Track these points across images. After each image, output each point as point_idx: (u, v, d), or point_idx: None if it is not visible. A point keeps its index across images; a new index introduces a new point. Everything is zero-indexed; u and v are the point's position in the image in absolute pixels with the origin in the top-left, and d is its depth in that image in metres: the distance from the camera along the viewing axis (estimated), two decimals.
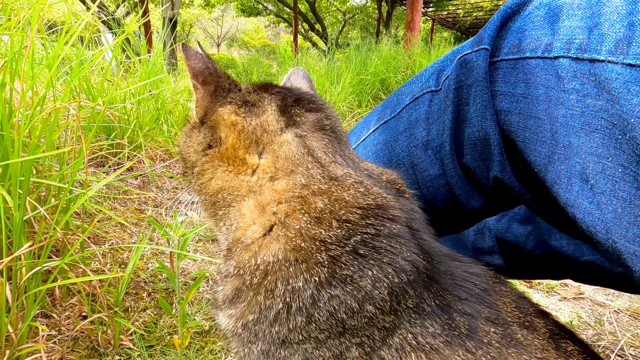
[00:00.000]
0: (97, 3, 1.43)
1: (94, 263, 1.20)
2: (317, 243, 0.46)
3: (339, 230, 0.46)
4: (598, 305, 1.34)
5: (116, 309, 0.97)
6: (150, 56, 2.34)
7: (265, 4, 16.45)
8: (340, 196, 0.49)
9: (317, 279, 0.44)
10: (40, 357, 0.82)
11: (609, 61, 0.40)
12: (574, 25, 0.45)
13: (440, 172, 0.65)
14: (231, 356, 0.97)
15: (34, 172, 1.05)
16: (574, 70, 0.44)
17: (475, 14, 12.58)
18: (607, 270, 0.77)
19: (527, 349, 0.43)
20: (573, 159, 0.45)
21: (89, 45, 2.15)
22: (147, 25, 4.92)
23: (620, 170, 0.41)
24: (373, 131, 0.76)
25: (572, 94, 0.44)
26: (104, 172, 1.65)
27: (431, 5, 12.14)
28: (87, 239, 1.22)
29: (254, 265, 0.48)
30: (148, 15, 4.85)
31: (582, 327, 1.23)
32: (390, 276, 0.44)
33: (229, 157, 0.55)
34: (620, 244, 0.41)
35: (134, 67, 2.21)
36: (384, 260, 0.44)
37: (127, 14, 10.10)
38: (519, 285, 1.45)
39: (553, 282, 1.47)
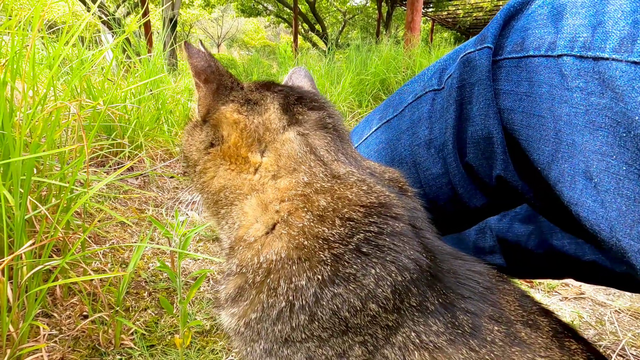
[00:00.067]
0: (97, 3, 1.43)
1: (95, 262, 1.20)
2: (320, 241, 0.45)
3: (342, 229, 0.46)
4: (599, 305, 1.34)
5: (117, 309, 0.97)
6: (150, 56, 2.34)
7: (265, 5, 16.46)
8: (343, 194, 0.48)
9: (320, 277, 0.44)
10: (41, 356, 0.81)
11: (613, 59, 0.40)
12: (577, 24, 0.45)
13: (442, 170, 0.65)
14: (232, 355, 0.97)
15: (35, 171, 1.04)
16: (578, 69, 0.44)
17: (475, 14, 12.58)
18: (609, 269, 0.77)
19: (530, 347, 0.43)
20: (577, 157, 0.45)
21: (89, 46, 2.15)
22: (147, 26, 4.92)
23: (624, 168, 0.40)
24: (375, 130, 0.76)
25: (575, 92, 0.44)
26: (104, 172, 1.64)
27: (431, 5, 12.14)
28: (88, 239, 1.22)
29: (257, 264, 0.47)
30: (148, 16, 4.85)
31: (583, 327, 1.23)
32: (393, 274, 0.44)
33: (231, 155, 0.54)
34: (625, 242, 0.41)
35: (135, 67, 2.21)
36: (387, 259, 0.44)
37: (128, 14, 10.10)
38: (520, 285, 1.45)
39: (554, 282, 1.46)
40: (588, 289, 1.43)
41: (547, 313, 0.50)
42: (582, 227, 0.47)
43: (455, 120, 0.61)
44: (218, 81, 0.57)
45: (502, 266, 0.94)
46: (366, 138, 0.78)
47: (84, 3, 6.43)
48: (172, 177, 1.98)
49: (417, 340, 0.43)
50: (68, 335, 0.93)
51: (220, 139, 0.56)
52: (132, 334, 0.99)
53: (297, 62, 4.91)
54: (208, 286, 1.26)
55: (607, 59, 0.41)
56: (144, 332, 1.00)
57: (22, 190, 0.86)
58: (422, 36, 6.39)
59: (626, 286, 0.78)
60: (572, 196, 0.47)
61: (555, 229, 0.83)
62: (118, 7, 9.76)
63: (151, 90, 2.11)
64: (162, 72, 2.36)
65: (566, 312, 1.30)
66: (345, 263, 0.44)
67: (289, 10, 15.69)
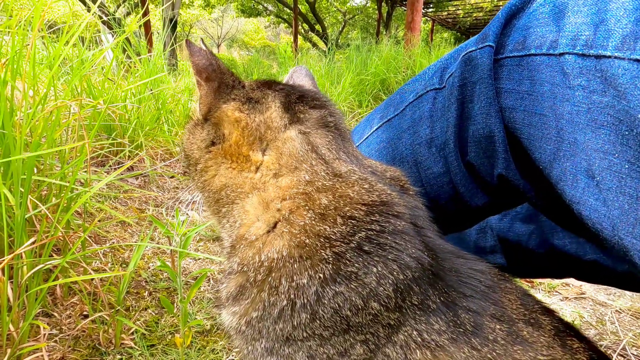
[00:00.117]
0: (97, 3, 1.43)
1: (95, 262, 1.20)
2: (322, 239, 0.45)
3: (343, 227, 0.46)
4: (600, 304, 1.34)
5: (117, 308, 0.97)
6: (150, 56, 2.34)
7: (265, 5, 16.46)
8: (345, 193, 0.48)
9: (321, 275, 0.44)
10: (42, 356, 0.81)
11: (615, 57, 0.40)
12: (579, 22, 0.45)
13: (444, 169, 0.65)
14: (233, 355, 0.96)
15: (36, 170, 1.04)
16: (580, 67, 0.44)
17: (475, 15, 12.59)
18: (610, 268, 0.77)
19: (533, 346, 0.43)
20: (579, 156, 0.45)
21: (89, 46, 2.15)
22: (147, 26, 4.92)
23: (627, 166, 0.40)
24: (376, 129, 0.76)
25: (577, 90, 0.44)
26: (105, 172, 1.64)
27: (431, 5, 12.14)
28: (88, 238, 1.22)
29: (258, 262, 0.47)
30: (148, 15, 4.85)
31: (584, 326, 1.23)
32: (395, 273, 0.44)
33: (233, 154, 0.54)
34: (627, 240, 0.41)
35: (135, 67, 2.21)
36: (389, 257, 0.44)
37: (128, 14, 10.10)
38: (521, 284, 1.45)
39: (554, 282, 1.46)
40: (589, 288, 1.43)
41: (549, 312, 0.50)
42: (584, 226, 0.47)
43: (456, 119, 0.61)
44: (219, 79, 0.57)
45: (503, 266, 0.94)
46: (367, 137, 0.78)
47: (84, 3, 6.43)
48: (172, 176, 1.98)
49: (419, 339, 0.43)
50: (68, 335, 0.93)
51: (221, 137, 0.56)
52: (132, 333, 0.99)
53: (297, 62, 4.91)
54: (208, 286, 1.26)
55: (609, 57, 0.41)
56: (145, 332, 1.00)
57: (22, 190, 0.86)
58: (422, 36, 6.40)
59: (627, 285, 0.78)
60: (574, 195, 0.47)
61: (557, 229, 0.83)
62: (118, 7, 9.76)
63: (151, 90, 2.11)
64: (162, 71, 2.36)
65: (567, 312, 1.30)
66: (347, 261, 0.44)
67: (289, 11, 15.69)
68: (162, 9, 5.78)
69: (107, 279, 1.11)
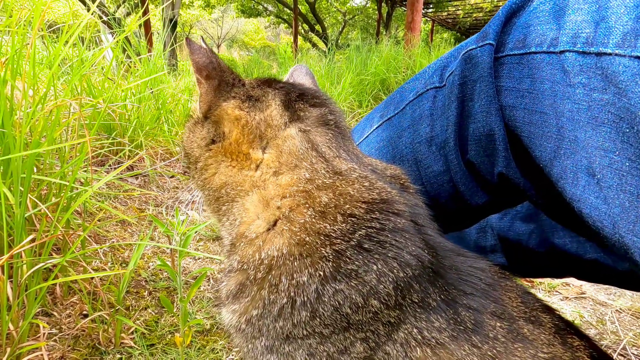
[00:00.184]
0: (96, 3, 1.43)
1: (95, 262, 1.20)
2: (322, 237, 0.45)
3: (343, 225, 0.46)
4: (600, 304, 1.34)
5: (117, 308, 0.97)
6: (150, 55, 2.34)
7: (265, 5, 16.46)
8: (345, 190, 0.48)
9: (321, 273, 0.44)
10: (41, 355, 0.81)
11: (616, 54, 0.40)
12: (580, 20, 0.45)
13: (444, 168, 0.65)
14: (233, 354, 0.96)
15: (35, 170, 1.04)
16: (580, 64, 0.44)
17: (475, 15, 12.59)
18: (610, 267, 0.77)
19: (533, 343, 0.43)
20: (579, 154, 0.45)
21: (89, 45, 2.15)
22: (147, 25, 4.92)
23: (627, 164, 0.40)
24: (376, 128, 0.76)
25: (578, 88, 0.44)
26: (105, 171, 1.64)
27: (431, 6, 12.14)
28: (88, 237, 1.22)
29: (258, 260, 0.47)
30: (148, 15, 4.85)
31: (584, 326, 1.23)
32: (395, 270, 0.44)
33: (233, 152, 0.54)
34: (628, 238, 0.41)
35: (135, 66, 2.21)
36: (389, 255, 0.44)
37: (128, 14, 10.10)
38: (521, 284, 1.44)
39: (555, 282, 1.46)
40: (589, 288, 1.43)
41: (549, 310, 0.50)
42: (584, 224, 0.47)
43: (456, 118, 0.61)
44: (219, 77, 0.57)
45: (503, 265, 0.94)
46: (367, 136, 0.78)
47: (84, 3, 6.43)
48: (172, 176, 1.98)
49: (419, 337, 0.43)
50: (68, 334, 0.93)
51: (221, 135, 0.56)
52: (132, 332, 0.99)
53: (297, 63, 4.90)
54: (208, 285, 1.26)
55: (610, 54, 0.41)
56: (144, 331, 1.00)
57: (22, 189, 0.86)
58: (422, 37, 6.39)
59: (628, 284, 0.78)
60: (575, 193, 0.46)
61: (557, 228, 0.83)
62: (118, 7, 9.76)
63: (151, 90, 2.11)
64: (162, 71, 2.36)
65: (567, 312, 1.30)
66: (347, 259, 0.44)
67: (289, 11, 15.69)
68: (162, 9, 5.78)
69: (107, 278, 1.11)
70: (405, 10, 9.36)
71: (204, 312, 1.11)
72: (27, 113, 0.94)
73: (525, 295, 0.49)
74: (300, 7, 13.51)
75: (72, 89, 1.50)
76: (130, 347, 0.94)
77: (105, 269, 1.14)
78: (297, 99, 0.57)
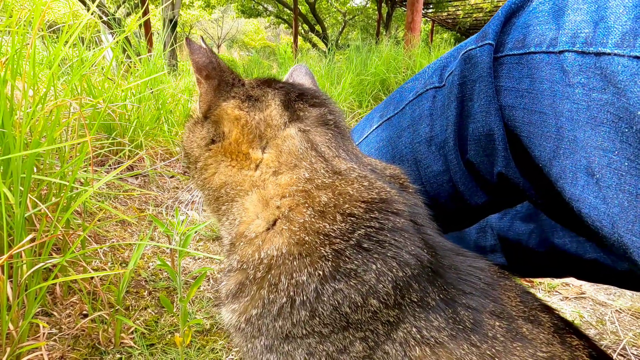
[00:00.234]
0: (96, 3, 1.43)
1: (95, 261, 1.20)
2: (321, 237, 0.45)
3: (343, 224, 0.46)
4: (600, 304, 1.34)
5: (117, 307, 0.97)
6: (150, 55, 2.34)
7: (265, 5, 16.46)
8: (344, 190, 0.48)
9: (321, 272, 0.44)
10: (41, 355, 0.81)
11: (615, 54, 0.40)
12: (579, 19, 0.45)
13: (443, 168, 0.65)
14: (232, 354, 0.96)
15: (35, 170, 1.04)
16: (580, 64, 0.44)
17: (475, 15, 12.59)
18: (610, 267, 0.77)
19: (532, 342, 0.43)
20: (578, 154, 0.45)
21: (89, 45, 2.15)
22: (147, 26, 4.92)
23: (626, 163, 0.40)
24: (376, 128, 0.76)
25: (577, 88, 0.44)
26: (105, 171, 1.64)
27: (431, 6, 12.14)
28: (88, 237, 1.22)
29: (258, 260, 0.47)
30: (148, 15, 4.85)
31: (584, 326, 1.23)
32: (394, 270, 0.44)
33: (232, 151, 0.54)
34: (627, 238, 0.41)
35: (135, 66, 2.22)
36: (388, 254, 0.44)
37: (128, 14, 10.10)
38: (521, 283, 1.44)
39: (554, 282, 1.46)
40: (589, 288, 1.43)
41: (548, 309, 0.50)
42: (584, 224, 0.47)
43: (456, 117, 0.61)
44: (219, 77, 0.57)
45: (503, 265, 0.94)
46: (367, 136, 0.78)
47: (84, 3, 6.43)
48: (172, 176, 1.98)
49: (418, 336, 0.43)
50: (68, 334, 0.93)
51: (221, 135, 0.56)
52: (132, 332, 0.99)
53: (297, 63, 4.90)
54: (208, 285, 1.26)
55: (609, 54, 0.41)
56: (144, 331, 1.00)
57: (22, 189, 0.86)
58: (422, 37, 6.39)
59: (628, 284, 0.78)
60: (574, 192, 0.47)
61: (557, 227, 0.83)
62: (118, 7, 9.77)
63: (151, 90, 2.11)
64: (162, 71, 2.36)
65: (567, 312, 1.30)
66: (346, 259, 0.44)
67: (289, 11, 15.70)
68: (162, 9, 5.78)
69: (106, 278, 1.11)
70: (405, 11, 9.37)
71: (203, 312, 1.12)
72: (27, 113, 0.94)
73: (524, 294, 0.49)
74: (300, 7, 13.52)
75: (72, 89, 1.51)
76: (130, 347, 0.94)
77: (105, 269, 1.15)
78: (296, 99, 0.57)
